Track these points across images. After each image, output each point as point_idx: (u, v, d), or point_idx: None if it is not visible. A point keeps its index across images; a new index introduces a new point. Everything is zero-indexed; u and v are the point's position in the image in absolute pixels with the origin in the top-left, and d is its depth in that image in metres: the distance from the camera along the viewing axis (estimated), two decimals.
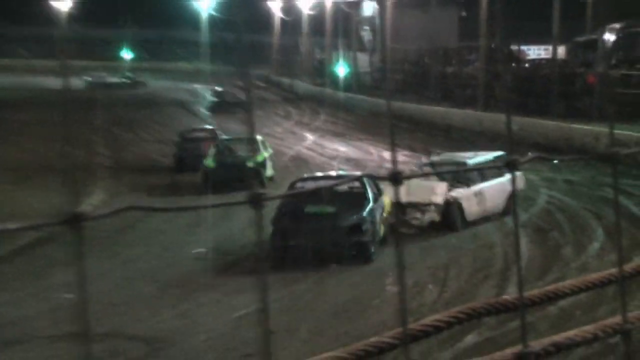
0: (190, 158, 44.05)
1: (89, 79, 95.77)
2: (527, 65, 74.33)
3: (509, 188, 30.28)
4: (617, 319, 3.34)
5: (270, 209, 26.20)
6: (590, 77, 59.60)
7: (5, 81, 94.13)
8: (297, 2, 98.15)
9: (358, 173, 42.09)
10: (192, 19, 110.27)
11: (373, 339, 3.42)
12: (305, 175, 33.94)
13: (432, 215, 29.96)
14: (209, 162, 40.95)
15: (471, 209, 30.50)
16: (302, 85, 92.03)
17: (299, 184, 30.38)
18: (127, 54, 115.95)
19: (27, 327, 19.93)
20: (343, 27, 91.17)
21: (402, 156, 42.45)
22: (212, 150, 42.37)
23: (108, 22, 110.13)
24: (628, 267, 3.62)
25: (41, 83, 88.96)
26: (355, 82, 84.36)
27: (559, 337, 3.31)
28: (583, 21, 71.83)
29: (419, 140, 49.60)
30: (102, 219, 2.59)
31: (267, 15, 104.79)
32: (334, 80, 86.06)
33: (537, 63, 74.24)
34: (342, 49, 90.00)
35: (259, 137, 42.56)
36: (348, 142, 55.06)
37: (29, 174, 41.22)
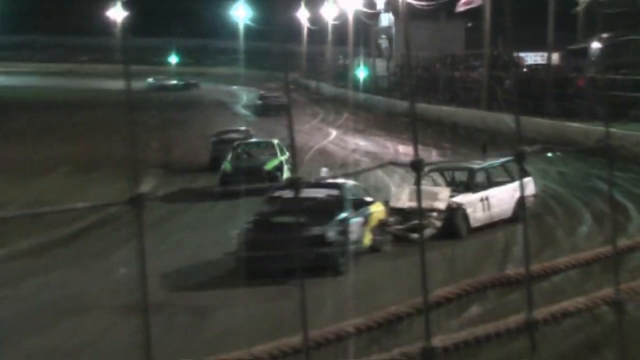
0: (223, 158, 38.95)
1: (151, 81, 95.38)
2: (525, 70, 74.33)
3: (518, 194, 27.77)
4: (607, 291, 3.33)
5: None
6: (581, 81, 59.73)
7: (68, 84, 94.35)
8: (322, 14, 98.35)
9: (339, 180, 38.30)
10: (230, 28, 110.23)
11: (393, 308, 3.39)
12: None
13: (434, 222, 26.16)
14: (227, 165, 36.81)
15: (476, 215, 27.13)
16: (327, 88, 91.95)
17: (278, 193, 25.21)
18: (174, 59, 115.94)
19: (89, 299, 19.95)
20: (363, 36, 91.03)
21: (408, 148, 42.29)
22: (230, 154, 38.23)
23: (158, 32, 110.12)
24: (620, 245, 3.62)
25: (99, 85, 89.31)
26: (373, 85, 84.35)
27: (556, 307, 3.29)
28: (575, 31, 71.76)
29: (429, 137, 49.36)
30: (160, 199, 2.58)
31: (296, 25, 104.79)
32: (355, 83, 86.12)
33: (533, 68, 74.22)
34: (362, 56, 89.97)
35: (275, 141, 39.33)
36: (367, 137, 55.04)
37: (90, 166, 41.29)
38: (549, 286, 16.95)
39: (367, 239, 24.77)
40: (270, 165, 36.89)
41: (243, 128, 49.25)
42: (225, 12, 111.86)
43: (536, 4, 65.31)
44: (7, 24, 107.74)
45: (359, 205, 25.21)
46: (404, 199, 26.96)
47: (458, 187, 28.39)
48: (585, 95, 56.03)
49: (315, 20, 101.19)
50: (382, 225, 25.70)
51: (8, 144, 49.64)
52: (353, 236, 23.94)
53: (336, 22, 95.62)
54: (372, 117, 67.15)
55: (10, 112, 66.71)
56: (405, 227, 26.08)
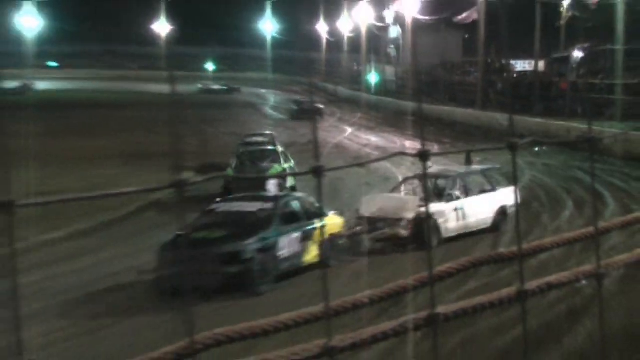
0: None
1: (200, 85, 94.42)
2: (515, 75, 74.50)
3: (500, 202, 24.79)
4: (590, 266, 3.30)
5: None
6: (563, 84, 59.91)
7: (119, 87, 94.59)
8: (339, 27, 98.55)
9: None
10: (259, 39, 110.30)
11: (401, 282, 3.37)
12: (219, 199, 23.51)
13: (401, 232, 22.96)
14: (230, 172, 32.63)
15: (448, 225, 23.62)
16: (343, 91, 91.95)
17: (214, 206, 21.83)
18: (210, 66, 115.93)
19: (133, 275, 19.92)
20: (374, 45, 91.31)
21: (418, 144, 42.14)
22: (235, 161, 34.22)
23: (196, 42, 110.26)
24: (600, 226, 3.58)
25: (146, 89, 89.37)
26: (383, 88, 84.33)
27: (544, 280, 3.26)
28: (558, 42, 71.80)
29: (432, 133, 49.31)
30: (198, 184, 2.58)
31: (316, 37, 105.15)
32: (367, 86, 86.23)
33: (522, 74, 74.41)
34: (373, 62, 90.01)
35: (280, 149, 35.44)
36: (377, 133, 55.07)
37: (137, 157, 41.36)
38: (536, 263, 16.98)
39: (311, 255, 20.85)
40: (273, 172, 33.44)
41: (268, 132, 45.41)
42: (254, 25, 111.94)
43: (524, 17, 65.30)
44: (68, 36, 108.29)
45: (307, 218, 21.42)
46: (373, 208, 23.53)
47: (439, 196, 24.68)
48: (568, 97, 56.17)
49: (333, 32, 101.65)
50: (335, 239, 22.21)
51: (66, 138, 49.85)
52: (283, 253, 20.06)
53: (351, 34, 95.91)
54: (382, 116, 67.15)
55: (69, 111, 66.96)
56: (372, 236, 23.06)
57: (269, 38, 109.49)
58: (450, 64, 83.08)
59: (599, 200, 26.84)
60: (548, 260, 17.03)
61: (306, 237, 20.99)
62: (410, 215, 22.99)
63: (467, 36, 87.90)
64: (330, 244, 21.53)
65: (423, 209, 22.93)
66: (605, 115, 47.14)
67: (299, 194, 24.22)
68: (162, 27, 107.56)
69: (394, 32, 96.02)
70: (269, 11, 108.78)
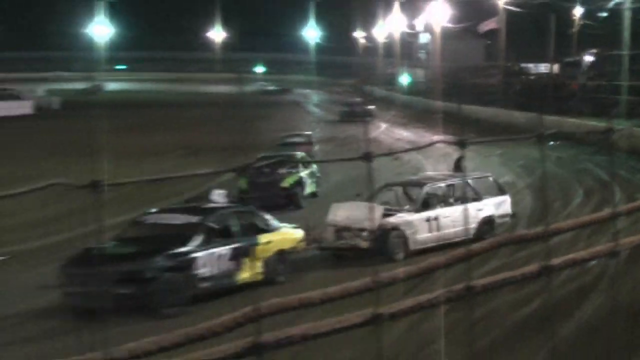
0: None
1: (258, 86, 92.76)
2: (532, 77, 74.28)
3: (486, 212, 21.38)
4: (608, 245, 3.27)
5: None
6: (574, 86, 59.72)
7: (178, 88, 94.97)
8: (374, 34, 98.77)
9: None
10: (303, 45, 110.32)
11: (433, 259, 3.33)
12: (151, 211, 19.04)
13: (362, 242, 19.29)
14: (242, 182, 27.52)
15: (418, 236, 19.91)
16: (378, 91, 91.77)
17: (143, 217, 18.35)
18: (260, 69, 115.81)
19: None
20: (406, 50, 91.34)
21: (445, 137, 42.03)
22: (249, 170, 26.03)
23: (247, 47, 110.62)
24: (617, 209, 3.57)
25: (202, 89, 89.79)
26: (414, 88, 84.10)
27: (565, 258, 3.23)
28: (570, 47, 71.66)
29: (457, 129, 49.15)
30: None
31: (353, 42, 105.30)
32: (399, 87, 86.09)
33: (538, 76, 74.18)
34: (405, 66, 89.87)
35: (298, 154, 30.61)
36: (409, 129, 54.90)
37: (197, 150, 41.49)
38: (553, 243, 16.86)
39: (250, 273, 17.24)
40: (288, 181, 28.28)
41: (307, 132, 42.11)
42: (299, 32, 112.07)
43: (540, 26, 65.07)
44: (135, 42, 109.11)
45: (248, 233, 17.84)
46: (340, 216, 19.99)
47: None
48: (578, 97, 56.00)
49: (369, 38, 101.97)
50: (287, 254, 18.52)
51: (133, 134, 50.11)
52: (204, 271, 16.47)
53: (386, 40, 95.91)
54: (413, 113, 66.91)
55: (135, 109, 67.29)
56: (335, 246, 19.79)
57: (312, 43, 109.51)
58: (473, 67, 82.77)
59: (606, 191, 26.66)
60: (563, 241, 16.88)
61: (242, 254, 17.36)
62: (372, 225, 19.58)
63: (488, 42, 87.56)
64: (278, 260, 18.13)
65: (391, 219, 19.85)
66: (611, 114, 46.90)
67: (243, 207, 20.08)
68: (217, 34, 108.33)
69: (424, 38, 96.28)
70: (312, 20, 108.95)
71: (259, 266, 17.63)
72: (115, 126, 46.69)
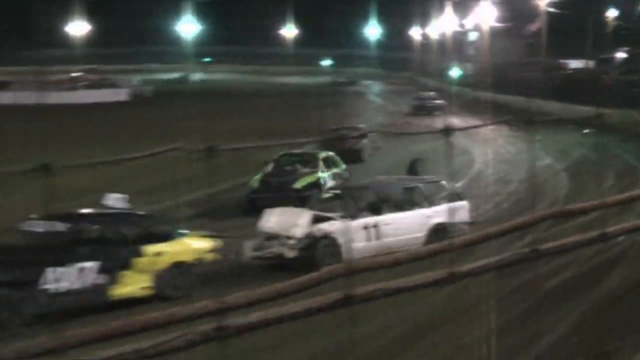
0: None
1: (329, 78, 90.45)
2: (569, 72, 73.65)
3: (436, 220, 17.21)
4: (624, 225, 3.55)
5: None
6: (608, 81, 59.23)
7: (254, 79, 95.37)
8: (428, 32, 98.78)
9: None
10: (365, 40, 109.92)
11: (457, 239, 3.58)
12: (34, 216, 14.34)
13: (287, 252, 15.84)
14: (254, 181, 23.51)
15: (353, 244, 15.92)
16: (432, 82, 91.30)
17: (26, 223, 14.18)
18: (327, 62, 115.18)
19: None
20: (457, 46, 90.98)
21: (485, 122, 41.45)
22: (269, 165, 24.50)
23: (314, 42, 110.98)
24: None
25: (275, 80, 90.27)
26: (464, 81, 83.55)
27: (620, 226, 3.49)
28: (605, 45, 71.01)
29: (497, 116, 48.72)
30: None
31: (410, 39, 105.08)
32: (450, 80, 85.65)
33: (576, 71, 73.52)
34: (456, 60, 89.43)
35: (322, 154, 25.04)
36: (458, 116, 54.72)
37: (270, 135, 41.58)
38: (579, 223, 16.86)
39: (129, 288, 13.91)
40: (302, 182, 23.56)
41: (360, 125, 38.64)
42: (360, 30, 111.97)
43: (577, 25, 64.49)
44: (217, 38, 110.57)
45: (135, 242, 14.24)
46: (270, 222, 16.59)
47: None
48: (613, 91, 55.54)
49: (424, 35, 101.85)
50: (185, 266, 14.63)
51: (212, 120, 50.47)
52: (57, 286, 12.88)
53: (439, 37, 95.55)
54: (462, 102, 66.46)
55: (216, 98, 67.82)
56: (260, 254, 16.17)
57: (373, 40, 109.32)
58: (516, 63, 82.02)
59: (634, 174, 26.51)
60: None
61: (119, 266, 13.91)
62: (299, 232, 16.04)
63: (530, 41, 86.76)
64: (177, 274, 14.48)
65: (322, 226, 16.22)
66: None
67: (139, 214, 15.54)
68: (289, 31, 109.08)
69: (473, 36, 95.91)
70: (373, 18, 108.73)
71: (145, 280, 14.16)
72: (201, 112, 47.36)
